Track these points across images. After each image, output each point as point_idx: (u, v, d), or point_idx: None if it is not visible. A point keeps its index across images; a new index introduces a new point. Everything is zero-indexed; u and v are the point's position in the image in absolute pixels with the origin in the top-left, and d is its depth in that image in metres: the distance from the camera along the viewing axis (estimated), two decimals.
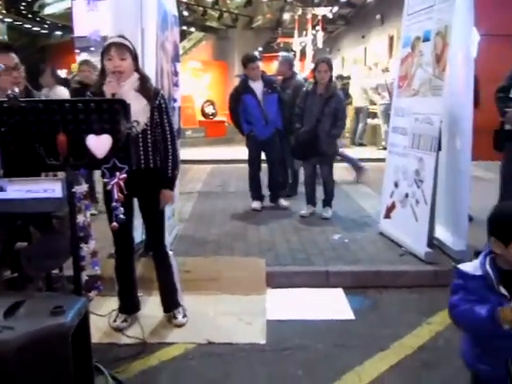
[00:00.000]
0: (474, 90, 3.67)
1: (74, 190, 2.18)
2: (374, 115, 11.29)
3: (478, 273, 1.63)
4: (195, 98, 13.42)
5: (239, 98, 5.29)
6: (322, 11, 16.60)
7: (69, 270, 2.30)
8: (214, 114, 13.47)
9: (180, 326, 2.98)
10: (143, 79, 2.73)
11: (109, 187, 2.35)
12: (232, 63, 16.37)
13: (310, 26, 17.62)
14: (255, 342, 2.82)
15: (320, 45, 18.27)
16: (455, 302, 1.66)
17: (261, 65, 5.35)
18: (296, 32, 17.93)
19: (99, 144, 2.12)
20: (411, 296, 3.46)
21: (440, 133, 3.71)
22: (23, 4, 23.31)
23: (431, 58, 3.79)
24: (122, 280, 2.98)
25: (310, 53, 17.59)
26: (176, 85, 4.26)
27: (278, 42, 22.24)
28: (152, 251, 3.12)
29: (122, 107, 2.13)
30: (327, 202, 5.11)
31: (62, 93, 4.90)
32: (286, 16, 17.99)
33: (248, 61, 5.24)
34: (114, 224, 2.45)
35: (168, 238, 3.30)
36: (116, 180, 2.32)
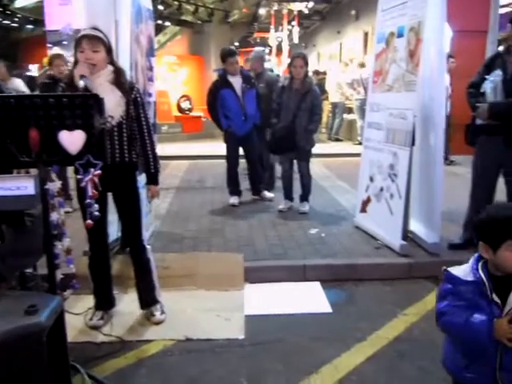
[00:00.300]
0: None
1: (47, 186, 2.14)
2: (350, 110, 11.39)
3: (470, 278, 1.57)
4: (171, 93, 13.29)
5: (218, 93, 5.26)
6: (298, 6, 16.65)
7: (43, 268, 2.26)
8: (190, 110, 13.36)
9: (158, 323, 2.96)
10: (118, 72, 2.69)
11: (83, 184, 2.31)
12: (208, 58, 16.26)
13: (285, 22, 17.66)
14: (234, 337, 2.83)
15: (296, 40, 18.32)
16: (443, 309, 1.60)
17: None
18: (272, 27, 17.93)
19: (72, 140, 2.08)
20: (387, 288, 3.52)
21: (414, 128, 3.77)
22: None
23: (405, 53, 3.84)
24: (96, 277, 2.94)
25: (286, 48, 17.63)
26: (151, 79, 4.21)
27: (254, 36, 22.21)
28: (129, 247, 3.09)
29: (96, 102, 2.10)
30: (304, 197, 5.15)
31: (18, 85, 4.81)
32: (262, 11, 17.95)
33: (227, 55, 5.21)
34: (89, 222, 2.41)
35: (145, 235, 3.27)
36: (90, 176, 2.28)
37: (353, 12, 14.94)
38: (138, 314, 3.04)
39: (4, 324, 1.66)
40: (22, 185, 2.06)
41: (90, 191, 2.31)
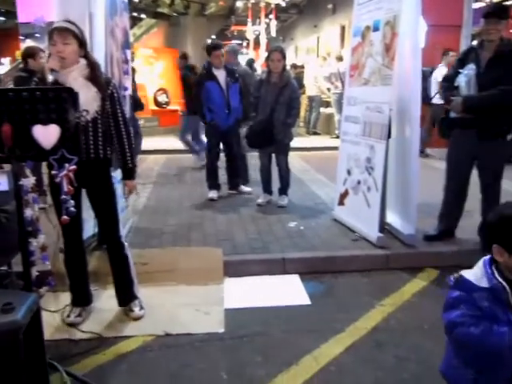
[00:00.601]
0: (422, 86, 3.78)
1: (20, 182, 2.10)
2: (327, 104, 11.45)
3: (484, 284, 1.45)
4: (147, 87, 13.12)
5: (203, 85, 5.26)
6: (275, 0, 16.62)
7: (18, 265, 2.22)
8: (167, 103, 13.23)
9: (137, 318, 2.94)
10: (93, 66, 2.64)
11: (57, 180, 2.27)
12: (185, 51, 16.10)
13: (263, 15, 17.61)
14: (214, 331, 2.83)
15: (273, 33, 18.31)
16: (456, 320, 1.45)
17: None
18: (249, 20, 17.87)
19: (46, 134, 2.04)
20: (364, 280, 3.57)
21: (390, 121, 3.82)
22: None
23: (381, 47, 3.87)
24: (73, 273, 2.90)
25: (264, 41, 17.60)
26: (126, 73, 4.15)
27: (231, 30, 22.09)
28: (106, 243, 3.06)
29: (70, 95, 2.06)
30: (283, 191, 5.17)
31: None
32: (239, 4, 17.89)
33: (212, 48, 5.27)
34: (65, 217, 2.38)
35: (122, 231, 3.24)
36: (65, 172, 2.24)
37: (330, 6, 15.00)
38: (116, 311, 3.01)
39: None
40: None
41: (66, 187, 2.27)
